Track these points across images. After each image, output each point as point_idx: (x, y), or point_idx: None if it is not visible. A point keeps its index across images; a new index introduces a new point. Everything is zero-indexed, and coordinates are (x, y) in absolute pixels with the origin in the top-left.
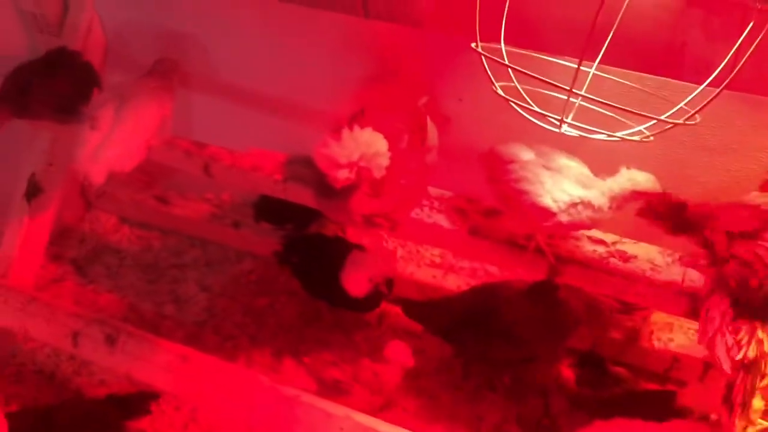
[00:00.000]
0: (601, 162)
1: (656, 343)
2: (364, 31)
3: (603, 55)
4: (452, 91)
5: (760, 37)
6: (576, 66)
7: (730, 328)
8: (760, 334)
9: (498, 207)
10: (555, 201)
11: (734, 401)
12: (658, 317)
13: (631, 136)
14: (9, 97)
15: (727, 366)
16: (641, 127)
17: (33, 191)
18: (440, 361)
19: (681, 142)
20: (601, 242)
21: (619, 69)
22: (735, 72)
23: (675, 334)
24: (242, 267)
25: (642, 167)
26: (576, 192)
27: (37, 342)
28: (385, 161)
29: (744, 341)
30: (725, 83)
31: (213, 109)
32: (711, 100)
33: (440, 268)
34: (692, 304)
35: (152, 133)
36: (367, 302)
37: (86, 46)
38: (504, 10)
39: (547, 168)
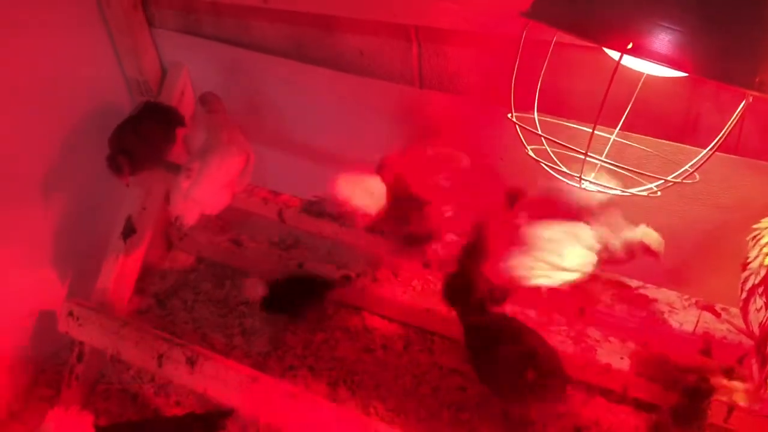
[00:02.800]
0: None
1: None
2: (419, 99)
3: (627, 123)
4: (495, 152)
5: (738, 110)
6: (591, 131)
7: (761, 290)
8: None
9: None
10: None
11: (766, 354)
12: None
13: (640, 191)
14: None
15: (755, 327)
16: (652, 185)
17: (128, 231)
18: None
19: (697, 198)
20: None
21: (642, 135)
22: (722, 138)
23: None
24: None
25: (664, 219)
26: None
27: (123, 364)
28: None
29: None
30: (714, 148)
31: (285, 161)
32: (704, 161)
33: None
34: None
35: (233, 180)
36: None
37: (179, 106)
38: (538, 84)
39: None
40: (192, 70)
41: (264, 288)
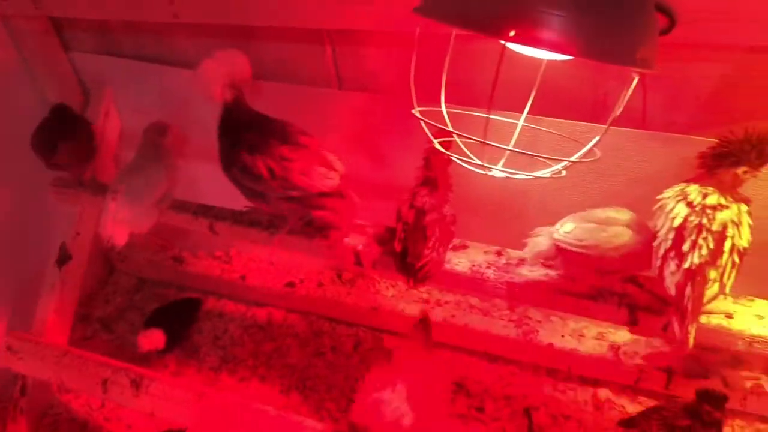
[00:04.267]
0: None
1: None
2: (339, 101)
3: (540, 107)
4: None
5: (631, 87)
6: (486, 118)
7: (672, 254)
8: (701, 241)
9: None
10: None
11: (685, 310)
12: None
13: (544, 173)
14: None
15: (672, 290)
16: (558, 166)
17: (64, 258)
18: None
19: (613, 175)
20: None
21: (556, 119)
22: (615, 116)
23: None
24: (250, 314)
25: (581, 198)
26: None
27: (71, 393)
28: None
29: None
30: (608, 126)
31: (215, 175)
32: (599, 139)
33: (428, 303)
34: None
35: (160, 196)
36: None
37: (104, 128)
38: (443, 77)
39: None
40: (115, 90)
41: (162, 336)
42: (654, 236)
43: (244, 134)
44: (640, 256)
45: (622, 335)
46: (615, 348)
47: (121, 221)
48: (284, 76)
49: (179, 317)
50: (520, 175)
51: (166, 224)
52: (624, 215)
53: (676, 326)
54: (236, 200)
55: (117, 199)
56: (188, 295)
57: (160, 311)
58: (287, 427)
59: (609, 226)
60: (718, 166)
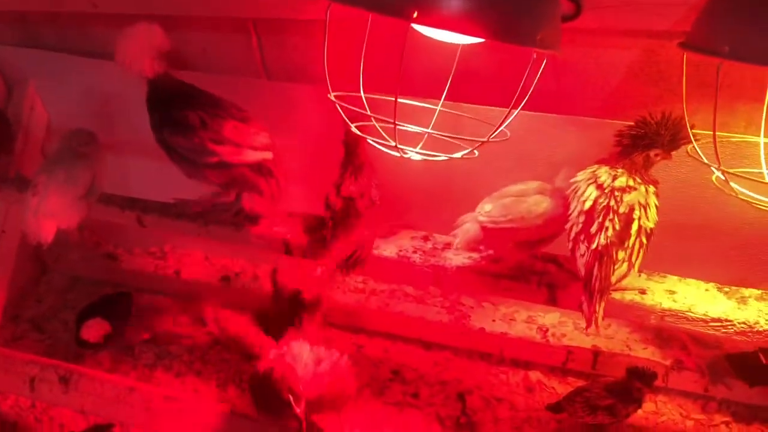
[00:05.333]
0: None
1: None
2: (266, 91)
3: (460, 93)
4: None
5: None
6: (395, 102)
7: (582, 237)
8: (607, 223)
9: None
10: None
11: (593, 289)
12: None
13: (457, 155)
14: None
15: (582, 271)
16: (472, 149)
17: None
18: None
19: (533, 159)
20: None
21: (474, 105)
22: (519, 96)
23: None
24: (186, 310)
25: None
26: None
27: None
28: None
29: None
30: (515, 106)
31: (144, 167)
32: (505, 120)
33: (363, 293)
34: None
35: (84, 190)
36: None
37: (30, 122)
38: (361, 63)
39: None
40: (39, 83)
41: (106, 323)
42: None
43: (175, 100)
44: (562, 217)
45: (550, 318)
46: (543, 330)
47: (45, 216)
48: (209, 66)
49: (113, 312)
50: (435, 157)
51: (97, 220)
52: (533, 184)
53: (584, 305)
54: (164, 192)
55: (38, 193)
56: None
57: (93, 306)
58: (221, 420)
59: (526, 197)
60: (633, 146)
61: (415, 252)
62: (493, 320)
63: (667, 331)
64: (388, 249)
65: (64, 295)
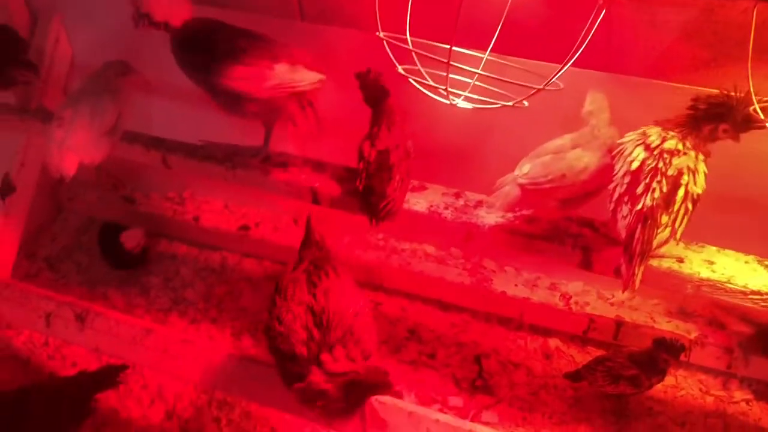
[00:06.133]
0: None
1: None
2: (300, 33)
3: (508, 46)
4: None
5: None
6: (449, 48)
7: (626, 198)
8: (654, 184)
9: None
10: None
11: (634, 252)
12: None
13: (507, 103)
14: None
15: (622, 233)
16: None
17: (7, 190)
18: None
19: (579, 120)
20: None
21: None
22: (583, 47)
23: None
24: (203, 257)
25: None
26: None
27: (13, 329)
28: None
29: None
30: (576, 55)
31: (169, 108)
32: (562, 69)
33: (383, 250)
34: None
35: (110, 126)
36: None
37: (54, 55)
38: (408, 6)
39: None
40: (65, 16)
41: (144, 238)
42: (607, 145)
43: (213, 37)
44: (604, 170)
45: (574, 286)
46: (566, 298)
47: (68, 150)
48: (242, 3)
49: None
50: (483, 105)
51: (117, 160)
52: (566, 139)
53: (623, 267)
54: (190, 134)
55: (63, 125)
56: None
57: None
58: (237, 366)
59: (564, 153)
60: (705, 116)
61: (446, 208)
62: (516, 285)
63: (692, 306)
64: (418, 203)
65: (78, 236)
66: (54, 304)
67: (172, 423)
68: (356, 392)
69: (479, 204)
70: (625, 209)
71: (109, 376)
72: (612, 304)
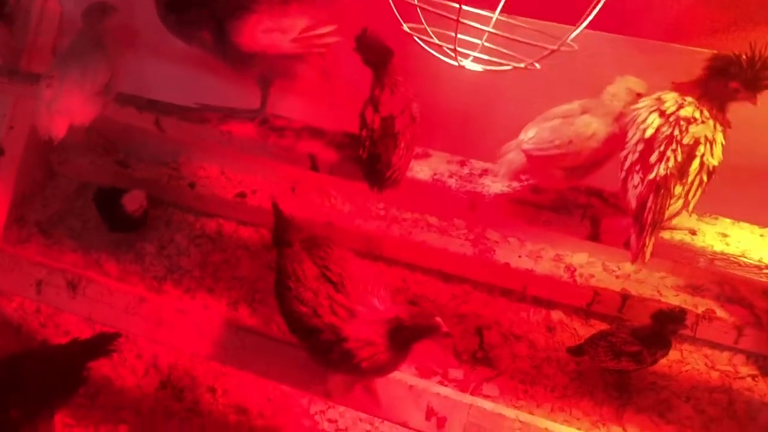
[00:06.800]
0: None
1: (578, 280)
2: None
3: (515, 5)
4: None
5: None
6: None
7: (638, 167)
8: (669, 153)
9: None
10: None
11: (645, 222)
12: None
13: (518, 65)
14: None
15: (633, 203)
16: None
17: None
18: None
19: (589, 86)
20: None
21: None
22: (599, 7)
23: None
24: (199, 225)
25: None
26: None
27: (4, 296)
28: None
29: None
30: (593, 15)
31: (163, 69)
32: (578, 28)
33: (384, 220)
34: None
35: (101, 86)
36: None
37: (43, 13)
38: None
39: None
40: None
41: (146, 200)
42: (619, 112)
43: None
44: (614, 139)
45: (579, 258)
46: (571, 270)
47: (58, 111)
48: None
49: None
50: (494, 67)
51: (109, 123)
52: (575, 104)
53: (633, 238)
54: (185, 97)
55: (52, 85)
56: None
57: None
58: (233, 336)
59: (572, 118)
60: (712, 74)
61: (450, 177)
62: (519, 256)
63: (701, 279)
64: (422, 171)
65: (71, 201)
66: (45, 270)
67: (166, 392)
68: (402, 338)
69: (485, 173)
70: (637, 178)
71: (102, 344)
72: (618, 277)
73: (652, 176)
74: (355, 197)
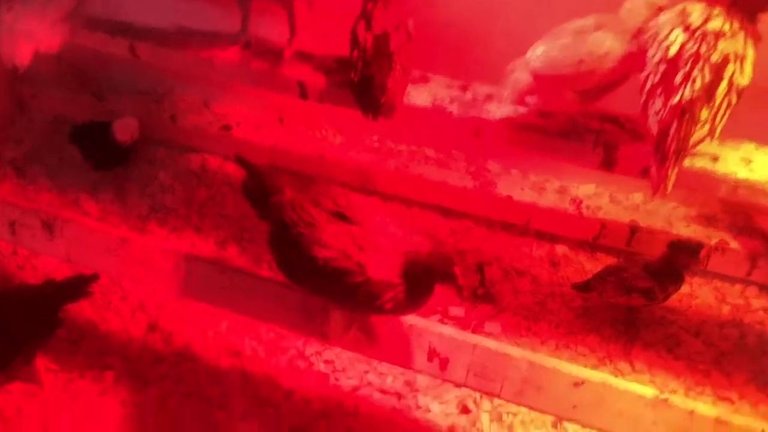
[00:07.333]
0: None
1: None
2: None
3: None
4: None
5: None
6: None
7: (659, 90)
8: (696, 73)
9: None
10: None
11: (667, 150)
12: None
13: None
14: None
15: (654, 129)
16: None
17: None
18: None
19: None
20: None
21: None
22: None
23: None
24: (183, 161)
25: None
26: None
27: None
28: None
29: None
30: None
31: None
32: None
33: (379, 153)
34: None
35: (67, 9)
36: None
37: None
38: None
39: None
40: None
41: (138, 129)
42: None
43: None
44: (629, 58)
45: (585, 189)
46: (577, 202)
47: (21, 35)
48: None
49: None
50: None
51: (80, 51)
52: (589, 20)
53: (654, 169)
54: (162, 17)
55: (14, 8)
56: None
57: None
58: (222, 277)
59: (585, 35)
60: None
61: (452, 102)
62: (522, 189)
63: (714, 209)
64: (420, 97)
65: (46, 137)
66: (19, 211)
67: (155, 335)
68: (417, 276)
69: (489, 98)
70: (659, 103)
71: (79, 285)
72: (626, 208)
73: (676, 100)
74: (347, 128)
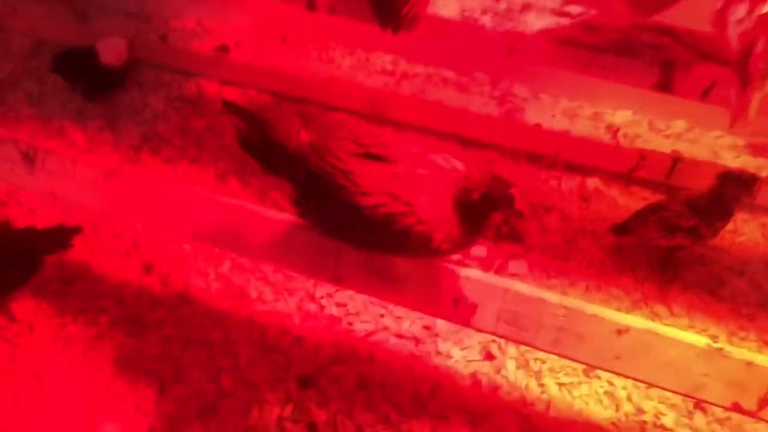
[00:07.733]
0: None
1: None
2: None
3: None
4: None
5: None
6: None
7: None
8: None
9: None
10: None
11: (752, 71)
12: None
13: None
14: None
15: (734, 43)
16: None
17: None
18: None
19: None
20: None
21: None
22: None
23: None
24: (176, 85)
25: None
26: None
27: None
28: None
29: None
30: None
31: None
32: None
33: (392, 76)
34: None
35: None
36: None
37: None
38: None
39: None
40: None
41: (126, 50)
42: None
43: None
44: None
45: (621, 116)
46: (614, 130)
47: None
48: None
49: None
50: None
51: None
52: None
53: (734, 93)
54: None
55: None
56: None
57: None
58: (223, 213)
59: None
60: None
61: (484, 13)
62: (552, 116)
63: (763, 137)
64: (447, 7)
65: (26, 61)
66: None
67: (152, 277)
68: (470, 208)
69: (527, 7)
70: (741, 10)
71: (60, 237)
72: (667, 137)
73: (766, 8)
74: (357, 48)
